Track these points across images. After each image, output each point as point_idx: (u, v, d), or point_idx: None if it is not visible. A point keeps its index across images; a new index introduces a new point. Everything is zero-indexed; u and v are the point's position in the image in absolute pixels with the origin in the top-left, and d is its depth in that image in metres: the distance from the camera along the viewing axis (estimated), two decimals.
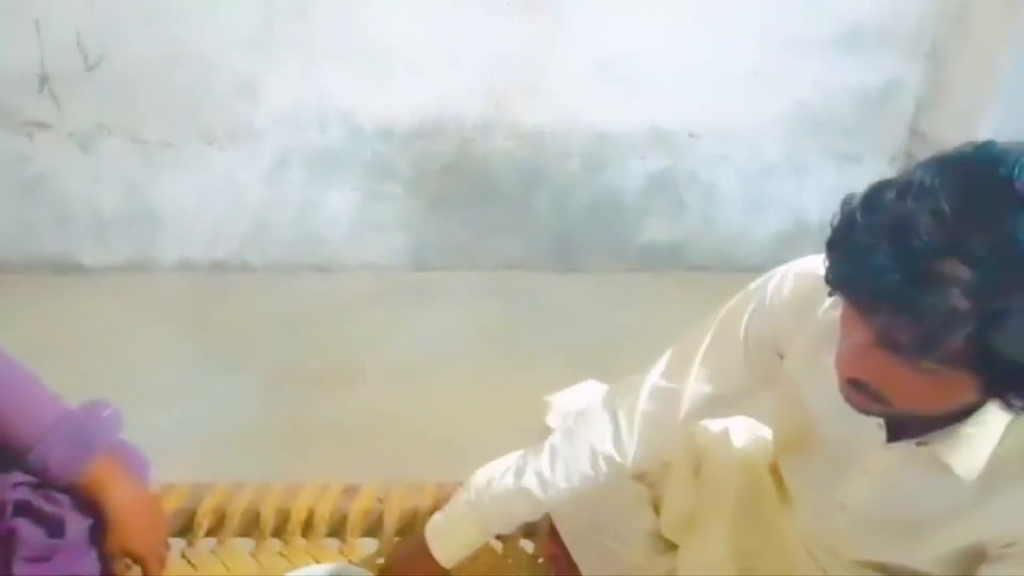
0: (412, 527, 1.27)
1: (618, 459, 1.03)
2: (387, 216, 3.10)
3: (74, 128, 2.91)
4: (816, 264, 0.80)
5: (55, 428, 1.09)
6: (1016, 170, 0.64)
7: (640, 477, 1.16)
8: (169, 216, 3.06)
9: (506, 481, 1.06)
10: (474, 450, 2.15)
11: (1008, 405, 0.70)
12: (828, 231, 0.73)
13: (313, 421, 2.38)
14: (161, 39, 2.79)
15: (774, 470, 1.13)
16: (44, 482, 1.09)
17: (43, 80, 2.81)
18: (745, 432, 1.20)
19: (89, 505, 1.09)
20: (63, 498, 1.08)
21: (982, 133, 2.62)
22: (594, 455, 1.03)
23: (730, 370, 1.00)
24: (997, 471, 0.79)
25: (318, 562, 1.23)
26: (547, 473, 1.04)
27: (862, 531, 0.94)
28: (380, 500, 1.29)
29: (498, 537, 1.26)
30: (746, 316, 1.00)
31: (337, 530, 1.28)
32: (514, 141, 2.99)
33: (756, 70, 2.90)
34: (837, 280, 0.72)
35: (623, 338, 2.76)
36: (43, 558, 1.04)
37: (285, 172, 3.01)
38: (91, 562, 1.09)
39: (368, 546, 1.28)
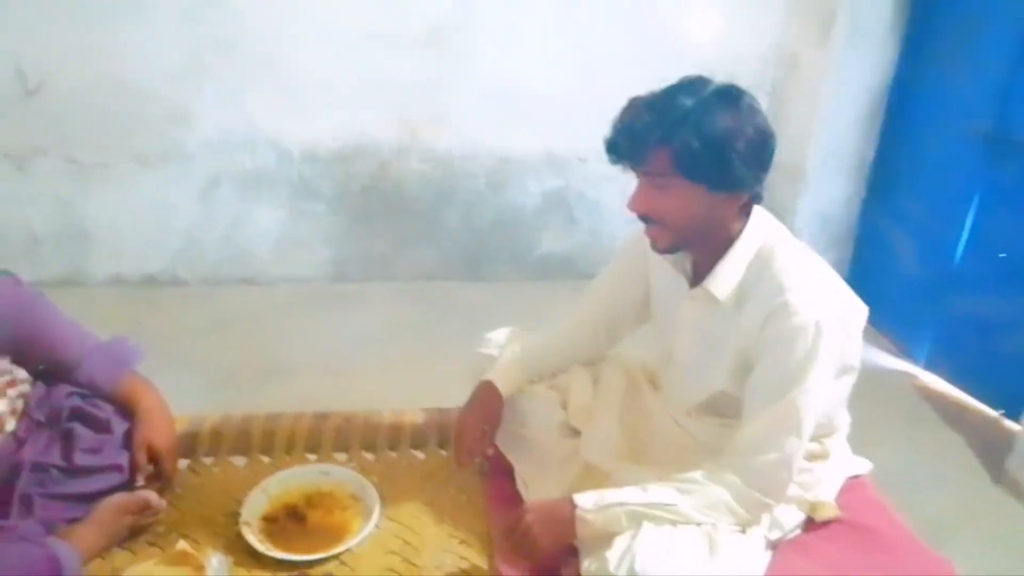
0: (374, 441, 1.60)
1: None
2: (311, 232, 3.40)
3: (9, 150, 3.09)
4: None
5: (97, 350, 1.39)
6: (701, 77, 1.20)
7: (551, 387, 1.56)
8: (102, 233, 3.26)
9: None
10: None
11: (724, 194, 1.21)
12: None
13: (251, 410, 2.63)
14: (99, 68, 3.04)
15: (648, 376, 1.56)
16: (90, 391, 1.37)
17: None
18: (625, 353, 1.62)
19: (124, 410, 1.39)
20: (106, 406, 1.37)
21: (811, 152, 3.22)
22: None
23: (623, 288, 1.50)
24: (742, 295, 1.27)
25: None
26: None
27: (689, 377, 1.39)
28: (347, 420, 1.62)
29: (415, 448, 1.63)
30: (626, 254, 1.47)
31: (314, 446, 1.60)
32: (426, 164, 3.37)
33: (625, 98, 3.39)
34: (608, 147, 1.24)
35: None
36: (95, 450, 1.33)
37: (216, 192, 3.28)
38: (126, 456, 1.38)
39: (340, 458, 1.60)
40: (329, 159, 3.31)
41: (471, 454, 1.46)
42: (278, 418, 1.63)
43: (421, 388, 2.71)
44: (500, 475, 1.54)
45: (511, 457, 1.53)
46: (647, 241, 1.37)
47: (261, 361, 2.89)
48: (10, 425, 1.28)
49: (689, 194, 1.20)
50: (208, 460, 1.56)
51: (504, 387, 1.49)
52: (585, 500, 1.22)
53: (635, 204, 1.26)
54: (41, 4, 2.91)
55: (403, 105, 3.27)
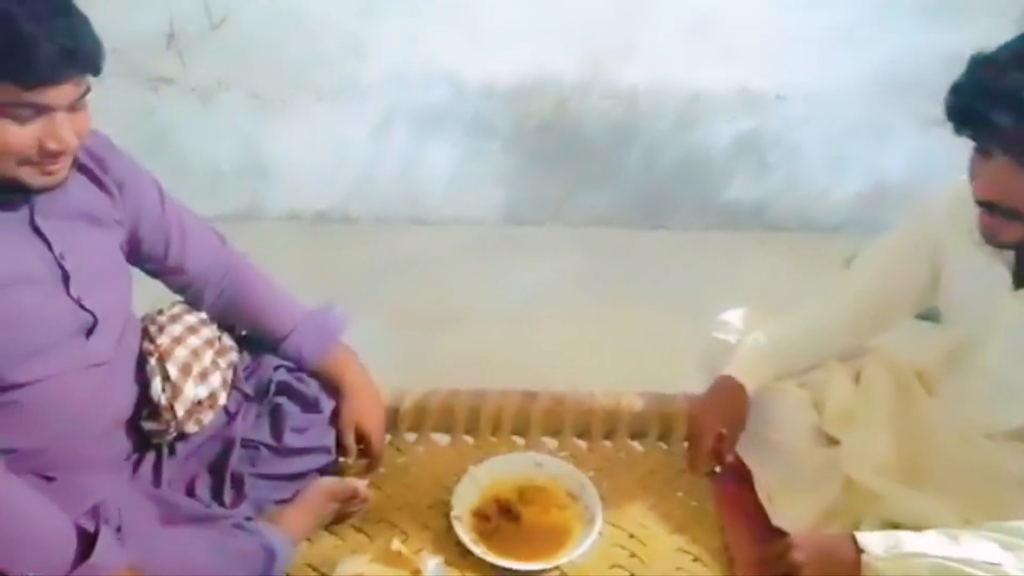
0: (588, 428, 1.44)
1: None
2: (485, 173, 3.25)
3: (196, 84, 3.09)
4: (961, 179, 1.05)
5: (304, 322, 1.29)
6: None
7: (802, 384, 1.33)
8: (279, 168, 3.24)
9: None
10: (578, 382, 2.33)
11: None
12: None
13: (425, 361, 2.55)
14: (279, 2, 2.95)
15: (921, 375, 1.30)
16: (297, 366, 1.28)
17: (170, 38, 3.00)
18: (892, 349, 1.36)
19: (330, 387, 1.28)
20: (313, 381, 1.27)
21: None
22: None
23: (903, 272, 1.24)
24: None
25: None
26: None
27: (1006, 394, 1.12)
28: (558, 402, 1.46)
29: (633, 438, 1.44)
30: (911, 230, 1.23)
31: (522, 429, 1.45)
32: (609, 101, 3.11)
33: (845, 33, 2.98)
34: (951, 115, 0.97)
35: (706, 291, 2.87)
36: (302, 430, 1.23)
37: (390, 129, 3.17)
38: (331, 439, 1.28)
39: (550, 444, 1.45)
40: (506, 95, 3.11)
41: (709, 460, 1.27)
42: (483, 395, 1.49)
43: (595, 349, 2.56)
44: (733, 481, 1.34)
45: (752, 464, 1.33)
46: (939, 214, 1.14)
47: (434, 306, 2.80)
48: (222, 398, 1.20)
49: None
50: (411, 437, 1.45)
51: (750, 384, 1.28)
52: (873, 543, 1.00)
53: (982, 189, 1.00)
54: None
55: (587, 37, 3.00)
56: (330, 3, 2.95)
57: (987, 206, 0.99)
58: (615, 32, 2.99)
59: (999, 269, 1.09)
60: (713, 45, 3.01)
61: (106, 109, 3.01)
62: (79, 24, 0.91)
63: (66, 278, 1.02)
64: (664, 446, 1.44)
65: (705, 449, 1.25)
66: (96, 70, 0.94)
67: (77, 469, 1.05)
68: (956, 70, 0.99)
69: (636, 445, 1.44)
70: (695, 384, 1.39)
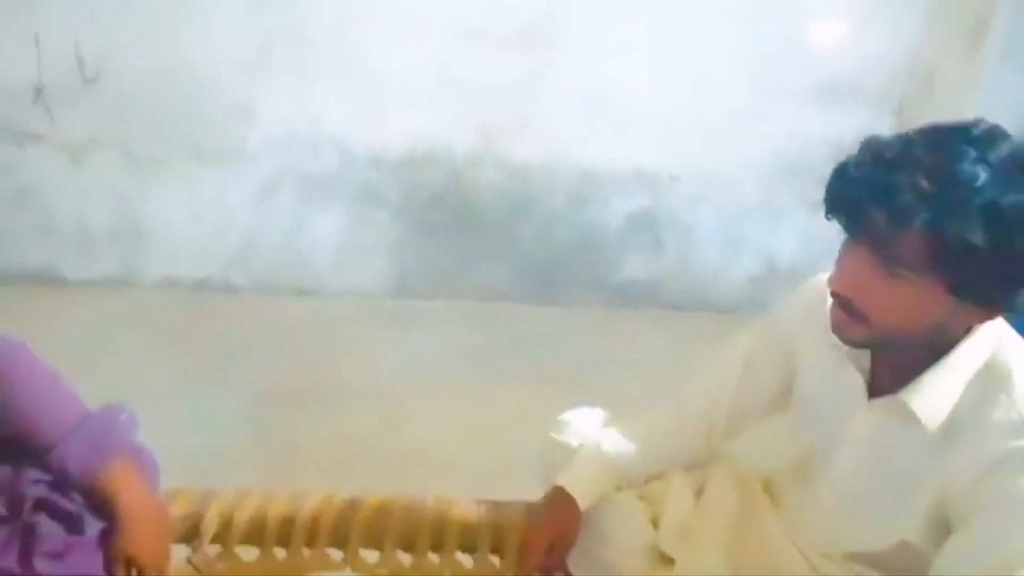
0: (414, 540, 1.31)
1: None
2: (373, 242, 3.14)
3: (66, 141, 2.92)
4: (817, 277, 0.99)
5: (76, 430, 1.12)
6: (978, 124, 0.85)
7: (641, 496, 1.23)
8: (156, 232, 3.07)
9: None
10: (456, 468, 2.21)
11: (972, 307, 0.87)
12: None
13: (297, 439, 2.40)
14: (159, 56, 2.83)
15: (766, 486, 1.22)
16: (61, 481, 1.11)
17: (38, 91, 2.83)
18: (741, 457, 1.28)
19: (101, 507, 1.11)
20: (78, 498, 1.11)
21: None
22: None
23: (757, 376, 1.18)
24: (956, 423, 0.92)
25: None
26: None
27: (849, 511, 1.05)
28: (382, 511, 1.33)
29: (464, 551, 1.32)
30: (765, 332, 1.17)
31: (341, 541, 1.31)
32: (502, 174, 3.06)
33: (737, 115, 3.02)
34: (829, 199, 0.91)
35: (600, 369, 2.83)
36: (60, 554, 1.06)
37: (275, 194, 3.05)
38: (99, 564, 1.11)
39: (370, 557, 1.31)
40: (397, 164, 3.03)
41: None
42: (302, 500, 1.34)
43: (481, 432, 2.44)
44: None
45: None
46: (794, 315, 1.09)
47: (309, 382, 2.65)
48: None
49: (925, 295, 0.87)
50: (213, 550, 1.29)
51: (583, 497, 1.18)
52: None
53: (839, 283, 0.92)
54: None
55: (481, 109, 2.96)
56: (214, 60, 2.85)
57: (842, 300, 0.92)
58: (508, 104, 2.96)
59: (853, 376, 1.02)
60: (606, 122, 3.01)
61: None
62: None
63: None
64: (496, 561, 1.31)
65: (532, 564, 1.14)
66: None
67: None
68: (840, 156, 0.94)
69: (466, 560, 1.31)
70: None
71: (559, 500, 1.18)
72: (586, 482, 1.20)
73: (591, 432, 1.28)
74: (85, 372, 2.46)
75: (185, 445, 2.27)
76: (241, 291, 3.16)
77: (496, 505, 1.36)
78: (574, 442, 1.27)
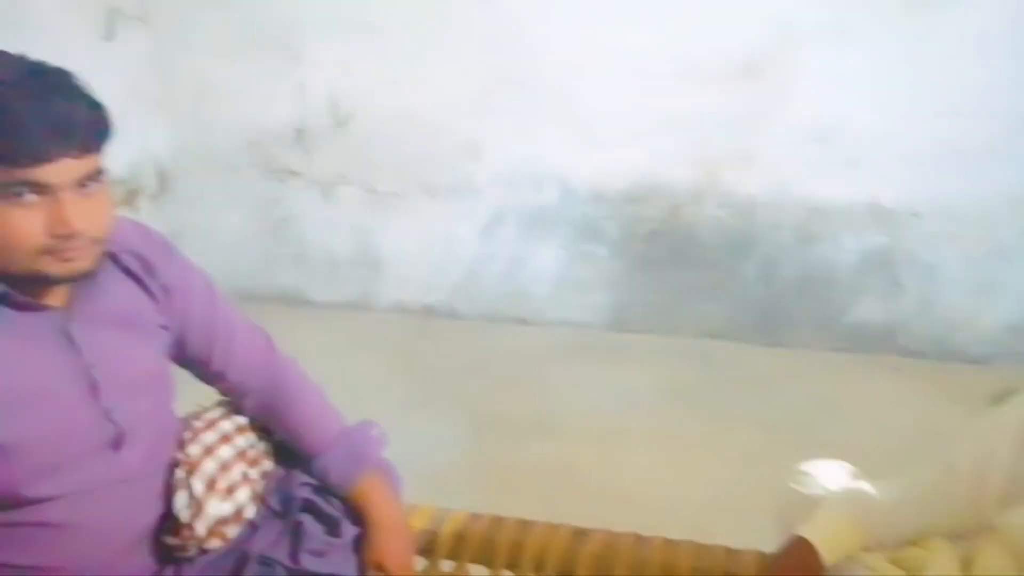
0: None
1: None
2: (591, 276, 3.18)
3: (319, 177, 3.25)
4: None
5: (336, 443, 1.22)
6: None
7: (894, 560, 1.13)
8: (391, 261, 3.32)
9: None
10: (673, 509, 2.15)
11: None
12: None
13: (510, 465, 2.45)
14: (400, 102, 3.09)
15: None
16: (323, 486, 1.21)
17: (299, 133, 3.18)
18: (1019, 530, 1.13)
19: (357, 514, 1.21)
20: (338, 503, 1.21)
21: None
22: None
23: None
24: None
25: None
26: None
27: None
28: (608, 546, 1.32)
29: None
30: None
31: (566, 571, 1.32)
32: (724, 209, 3.00)
33: (990, 145, 2.74)
34: None
35: (827, 416, 2.66)
36: (322, 553, 1.16)
37: (499, 227, 3.19)
38: (354, 567, 1.20)
39: None
40: (616, 199, 3.07)
41: None
42: (530, 528, 1.37)
43: (699, 473, 2.37)
44: None
45: None
46: None
47: (524, 410, 2.71)
48: (249, 512, 1.16)
49: None
50: (447, 565, 1.35)
51: (829, 552, 1.10)
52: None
53: None
54: (355, 39, 3.01)
55: (703, 144, 2.93)
56: (447, 103, 3.05)
57: None
58: (732, 138, 2.91)
59: None
60: (838, 155, 2.86)
61: (240, 196, 3.25)
62: (76, 101, 0.90)
63: (94, 388, 1.01)
64: None
65: None
66: (95, 148, 0.92)
67: None
68: None
69: None
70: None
71: (802, 553, 1.11)
72: (832, 537, 1.12)
73: (836, 485, 1.20)
74: (324, 386, 2.76)
75: (406, 463, 2.43)
76: (464, 318, 3.32)
77: (728, 552, 1.30)
78: (816, 493, 1.20)
